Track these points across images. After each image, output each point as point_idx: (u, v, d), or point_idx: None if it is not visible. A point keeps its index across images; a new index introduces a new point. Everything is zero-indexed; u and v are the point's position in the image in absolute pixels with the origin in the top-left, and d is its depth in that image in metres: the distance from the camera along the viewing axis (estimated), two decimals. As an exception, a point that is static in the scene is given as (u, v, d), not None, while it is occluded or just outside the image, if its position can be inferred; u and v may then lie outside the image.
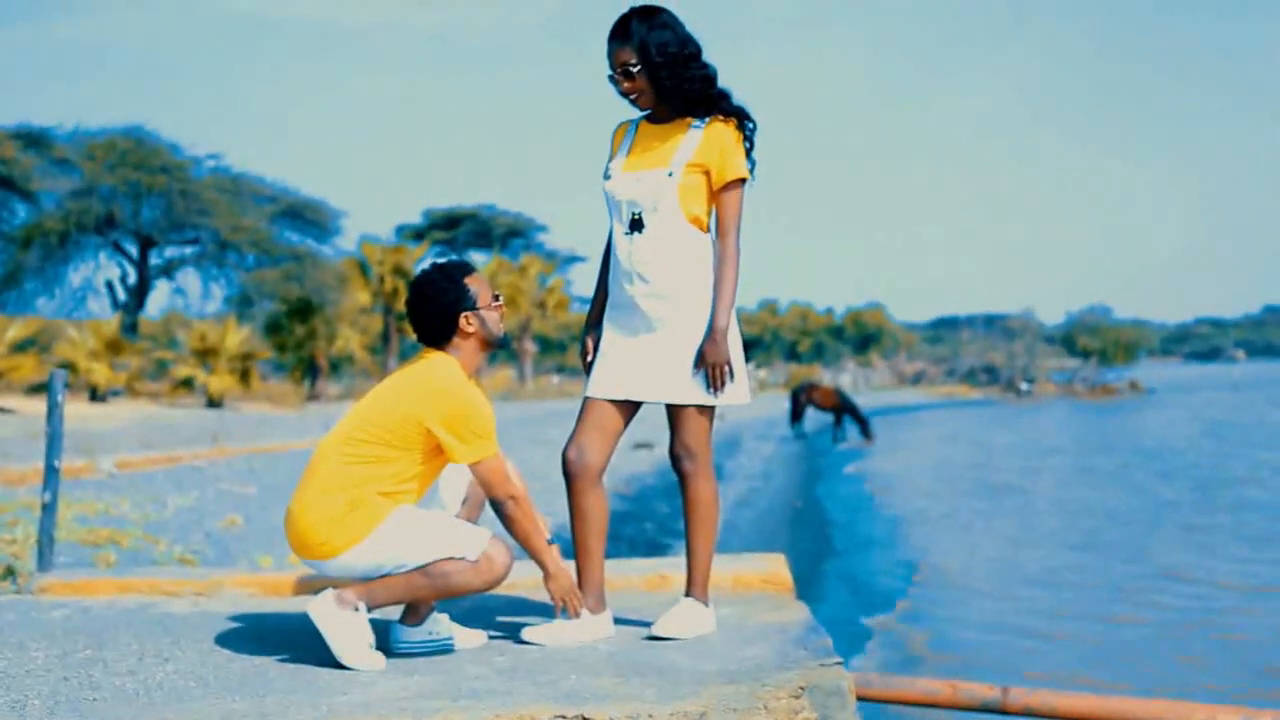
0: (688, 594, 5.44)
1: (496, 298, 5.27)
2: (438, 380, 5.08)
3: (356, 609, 4.97)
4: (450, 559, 4.99)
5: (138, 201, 44.32)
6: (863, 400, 48.12)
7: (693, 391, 5.25)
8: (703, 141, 5.23)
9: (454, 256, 5.43)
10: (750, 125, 5.29)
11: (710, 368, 5.21)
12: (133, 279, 46.11)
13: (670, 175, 5.20)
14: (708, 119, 5.25)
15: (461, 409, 5.03)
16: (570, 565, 5.41)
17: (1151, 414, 52.64)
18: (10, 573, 7.82)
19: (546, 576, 5.24)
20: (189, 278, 47.68)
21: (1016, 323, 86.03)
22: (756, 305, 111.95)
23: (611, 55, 5.23)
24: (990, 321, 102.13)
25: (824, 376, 74.31)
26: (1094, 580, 14.56)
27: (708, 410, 5.32)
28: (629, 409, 5.34)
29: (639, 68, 5.18)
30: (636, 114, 5.43)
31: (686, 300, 5.24)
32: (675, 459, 5.35)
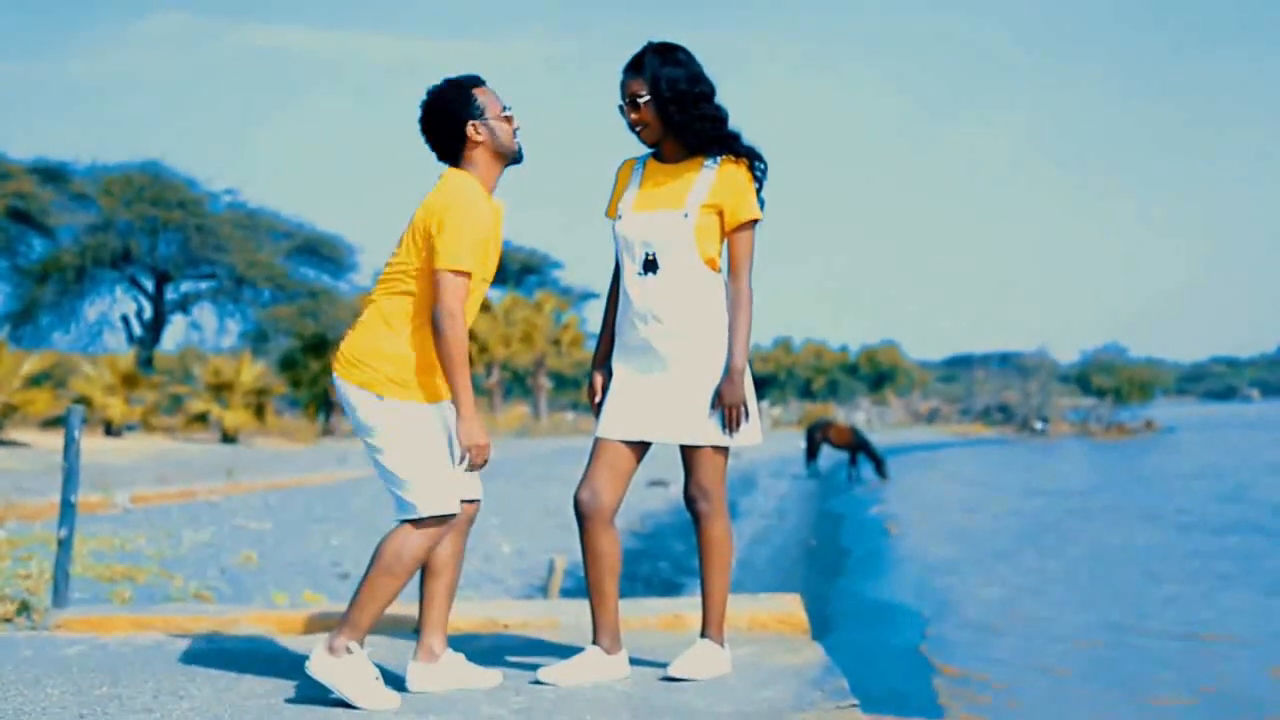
0: (704, 635, 5.42)
1: (507, 109, 5.23)
2: (447, 188, 5.09)
3: (350, 650, 4.97)
4: (394, 536, 5.03)
5: (154, 237, 44.53)
6: (877, 438, 48.01)
7: (709, 432, 5.24)
8: (716, 182, 5.24)
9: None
10: (761, 166, 5.31)
11: (727, 408, 5.21)
12: (148, 314, 46.27)
13: (686, 216, 5.21)
14: (719, 159, 5.27)
15: (457, 214, 5.00)
16: (584, 604, 5.39)
17: (1164, 455, 52.46)
18: (26, 608, 7.83)
19: (458, 417, 5.04)
20: (205, 313, 47.95)
21: (1031, 361, 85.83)
22: (771, 343, 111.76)
23: (623, 86, 5.27)
24: (1005, 360, 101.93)
25: (839, 414, 74.24)
26: (1103, 632, 14.50)
27: (723, 451, 5.31)
28: (641, 449, 5.34)
29: (647, 100, 5.21)
30: (639, 151, 5.46)
31: (701, 340, 5.24)
32: (690, 500, 5.34)
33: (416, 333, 5.05)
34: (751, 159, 5.28)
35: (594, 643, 5.36)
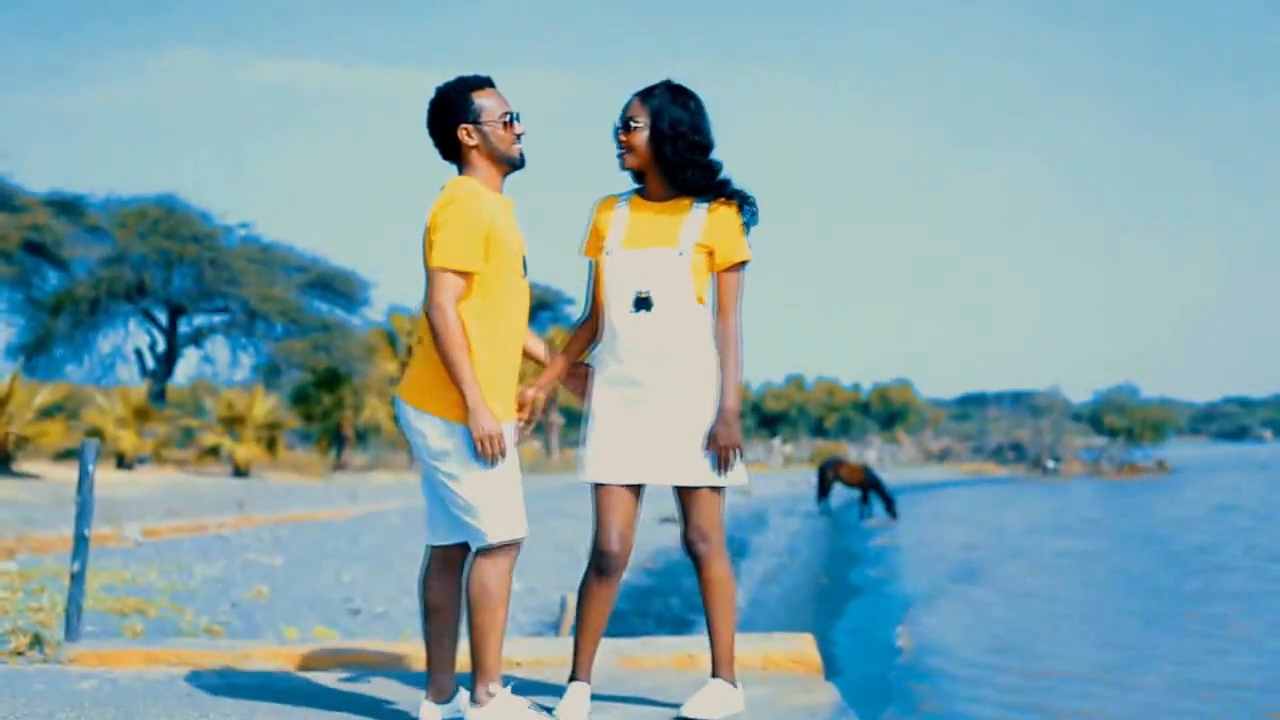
0: (715, 675, 5.41)
1: (509, 116, 5.18)
2: (444, 194, 5.06)
3: (492, 694, 5.02)
4: (474, 573, 5.02)
5: (168, 270, 44.59)
6: (888, 477, 48.00)
7: (707, 473, 5.25)
8: (708, 223, 5.27)
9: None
10: (751, 210, 5.35)
11: (722, 449, 5.23)
12: (161, 347, 46.29)
13: (681, 255, 5.24)
14: (710, 200, 5.30)
15: (447, 212, 4.98)
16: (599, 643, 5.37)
17: (1174, 495, 52.27)
18: (38, 641, 7.82)
19: (467, 411, 4.94)
20: (218, 346, 47.89)
21: (1043, 400, 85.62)
22: (784, 380, 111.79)
23: (626, 106, 5.32)
24: (1017, 398, 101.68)
25: (850, 452, 74.10)
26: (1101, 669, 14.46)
27: (720, 490, 5.32)
28: (640, 488, 5.34)
29: (641, 128, 5.25)
30: (619, 188, 5.49)
31: (695, 377, 5.26)
32: (690, 543, 5.33)
33: (473, 353, 5.01)
34: (742, 202, 5.32)
35: (581, 679, 5.38)
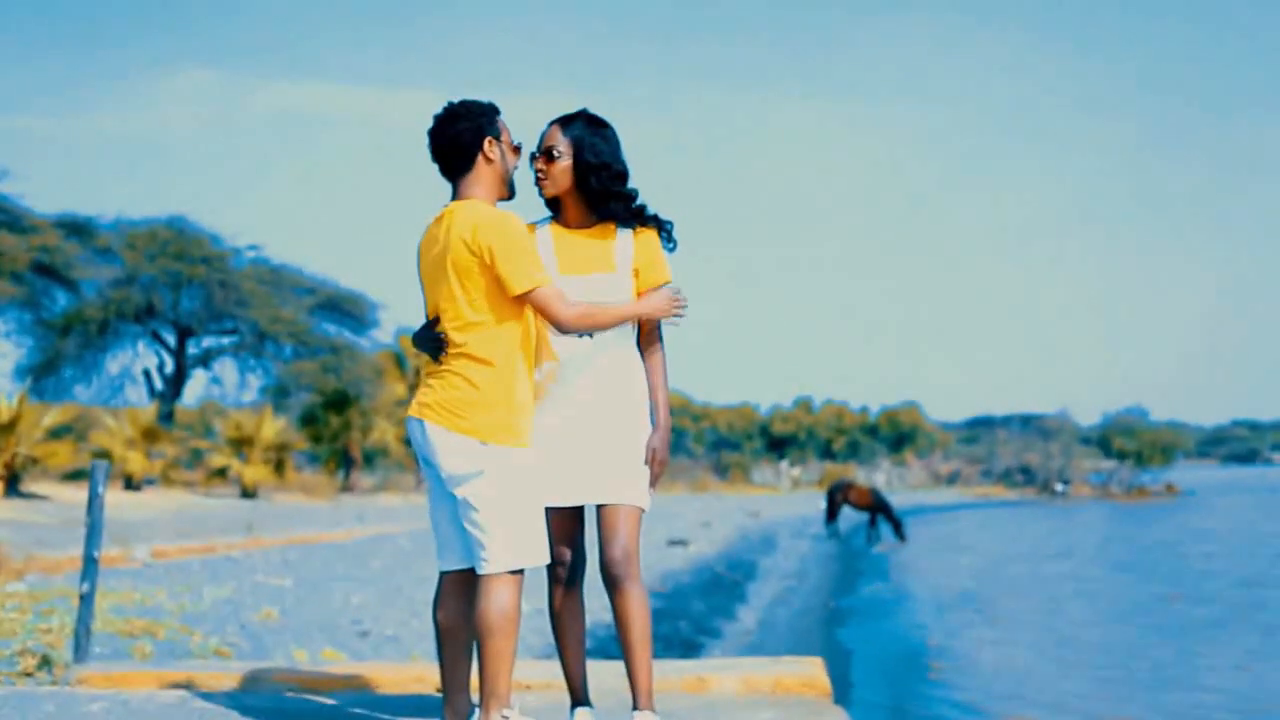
0: (640, 707, 5.29)
1: (517, 143, 5.31)
2: (479, 215, 5.09)
3: (505, 717, 4.99)
4: (488, 597, 4.98)
5: (177, 291, 44.69)
6: (897, 500, 47.92)
7: (643, 494, 5.30)
8: (635, 247, 5.39)
9: None
10: (668, 234, 5.46)
11: (660, 463, 5.35)
12: (170, 368, 46.39)
13: (620, 279, 5.34)
14: (633, 226, 5.40)
15: (508, 240, 5.02)
16: (606, 665, 5.37)
17: (1181, 519, 52.18)
18: (47, 663, 7.83)
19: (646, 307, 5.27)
20: (226, 367, 47.99)
21: (1052, 423, 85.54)
22: (791, 403, 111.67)
23: (545, 135, 5.38)
24: (1026, 422, 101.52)
25: (859, 475, 74.05)
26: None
27: (642, 513, 5.35)
28: (580, 509, 5.38)
29: (562, 158, 5.30)
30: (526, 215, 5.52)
31: (632, 400, 5.35)
32: (613, 563, 5.22)
33: (503, 375, 5.06)
34: (660, 226, 5.44)
35: (583, 704, 5.45)
